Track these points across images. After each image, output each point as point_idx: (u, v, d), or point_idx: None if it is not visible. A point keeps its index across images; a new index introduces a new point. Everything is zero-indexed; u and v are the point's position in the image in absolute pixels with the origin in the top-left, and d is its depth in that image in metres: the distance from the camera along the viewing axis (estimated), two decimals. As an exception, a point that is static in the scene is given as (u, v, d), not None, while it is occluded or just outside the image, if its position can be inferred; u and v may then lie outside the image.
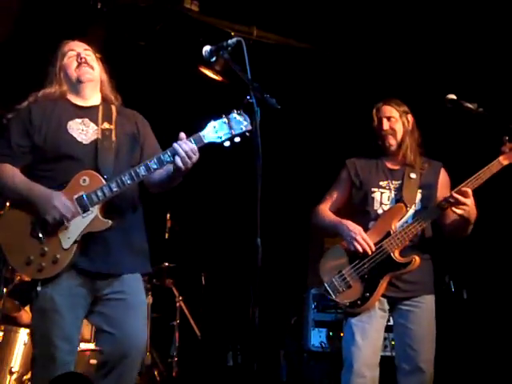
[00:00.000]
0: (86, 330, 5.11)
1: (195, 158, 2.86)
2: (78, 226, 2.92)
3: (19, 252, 2.92)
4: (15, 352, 4.55)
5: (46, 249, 2.89)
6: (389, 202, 3.63)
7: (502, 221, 5.06)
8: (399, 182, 3.66)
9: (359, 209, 3.69)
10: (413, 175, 3.65)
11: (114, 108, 3.23)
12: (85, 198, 2.92)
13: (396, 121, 3.71)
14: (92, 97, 3.21)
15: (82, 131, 3.08)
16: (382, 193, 3.65)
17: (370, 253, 3.51)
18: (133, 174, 2.91)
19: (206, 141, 2.87)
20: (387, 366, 3.64)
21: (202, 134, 2.87)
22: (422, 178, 3.66)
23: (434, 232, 3.68)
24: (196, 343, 5.92)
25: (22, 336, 4.63)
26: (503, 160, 3.49)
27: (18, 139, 3.05)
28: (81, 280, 2.95)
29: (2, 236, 2.98)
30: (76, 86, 3.17)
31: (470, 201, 3.40)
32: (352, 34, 5.54)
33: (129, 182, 2.91)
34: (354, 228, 3.57)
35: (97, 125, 3.12)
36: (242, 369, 6.26)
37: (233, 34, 5.35)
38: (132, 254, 3.08)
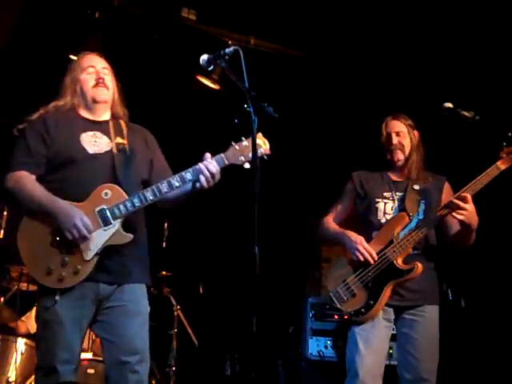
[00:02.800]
0: (84, 340, 5.10)
1: (217, 178, 2.94)
2: (99, 239, 2.93)
3: (39, 261, 2.91)
4: (12, 361, 4.54)
5: (66, 259, 2.90)
6: (392, 212, 3.66)
7: (501, 228, 5.06)
8: (402, 193, 3.70)
9: (363, 219, 3.74)
10: (416, 187, 3.70)
11: (123, 123, 3.26)
12: (107, 212, 2.93)
13: (404, 136, 3.76)
14: (103, 114, 3.24)
15: (95, 143, 3.10)
16: (385, 203, 3.70)
17: (372, 262, 3.53)
18: (155, 190, 2.95)
19: (227, 162, 2.95)
20: (390, 375, 3.63)
21: (223, 155, 2.96)
22: (425, 190, 3.69)
23: (438, 242, 3.69)
24: (194, 352, 5.90)
25: (20, 345, 4.62)
26: (501, 165, 3.50)
27: (37, 148, 3.05)
28: (88, 290, 2.97)
29: (22, 245, 2.97)
30: (89, 104, 3.19)
31: (469, 206, 3.41)
32: (349, 43, 5.55)
33: (151, 198, 2.95)
34: (356, 238, 3.61)
35: (109, 138, 3.14)
36: (239, 378, 6.23)
37: (230, 42, 5.36)
38: (140, 265, 3.13)
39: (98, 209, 2.94)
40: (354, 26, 5.32)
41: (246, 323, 2.37)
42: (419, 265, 3.49)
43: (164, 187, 2.95)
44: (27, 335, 4.95)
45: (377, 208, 3.69)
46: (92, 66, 3.22)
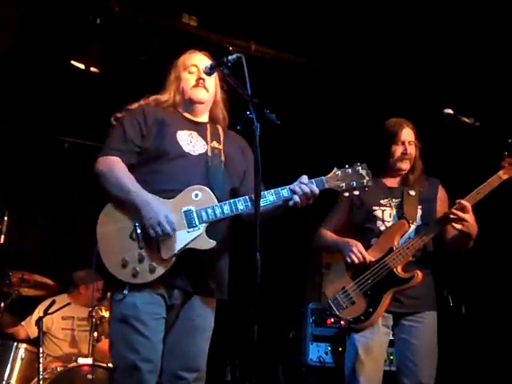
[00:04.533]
0: (84, 345, 5.10)
1: (313, 200, 2.88)
2: (181, 240, 2.83)
3: (116, 252, 2.81)
4: (12, 367, 4.54)
5: (144, 254, 2.80)
6: (391, 219, 3.65)
7: (501, 235, 5.06)
8: (399, 199, 3.69)
9: (361, 227, 3.72)
10: (412, 192, 3.68)
11: (220, 128, 3.22)
12: (194, 214, 2.85)
13: (413, 145, 3.75)
14: (201, 115, 3.20)
15: (190, 143, 3.05)
16: (383, 210, 3.68)
17: (366, 262, 3.52)
18: (248, 201, 2.86)
19: (326, 186, 2.91)
20: (388, 381, 3.63)
21: (324, 178, 2.91)
22: (421, 195, 3.69)
23: (435, 247, 3.69)
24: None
25: (20, 351, 4.62)
26: (503, 175, 3.50)
27: (133, 136, 3.00)
28: (161, 292, 2.86)
29: (100, 232, 2.86)
30: (187, 102, 3.16)
31: (469, 216, 3.41)
32: (350, 49, 5.56)
33: (241, 208, 2.86)
34: (352, 242, 3.61)
35: (205, 140, 3.09)
36: (240, 384, 6.22)
37: (231, 48, 5.37)
38: (217, 277, 3.01)
39: (185, 209, 2.86)
40: (355, 31, 5.33)
41: (246, 329, 2.37)
42: (419, 273, 3.49)
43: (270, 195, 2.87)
44: (27, 340, 4.95)
45: (375, 216, 3.67)
46: (195, 66, 3.16)
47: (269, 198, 2.86)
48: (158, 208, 2.80)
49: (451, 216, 3.44)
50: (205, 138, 3.09)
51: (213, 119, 3.24)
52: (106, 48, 5.49)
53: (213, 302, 3.04)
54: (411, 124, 3.78)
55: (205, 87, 3.13)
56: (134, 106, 3.14)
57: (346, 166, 2.93)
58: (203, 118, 3.21)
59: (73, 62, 5.64)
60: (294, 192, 2.84)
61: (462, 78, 5.24)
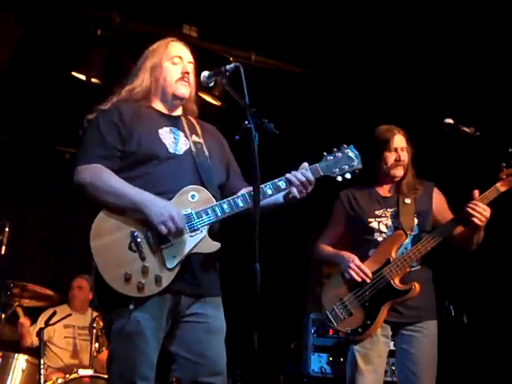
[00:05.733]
0: (85, 355, 5.09)
1: (311, 188, 2.78)
2: (184, 245, 2.68)
3: (116, 266, 2.62)
4: (13, 378, 4.53)
5: (147, 265, 2.62)
6: (387, 230, 3.62)
7: (502, 244, 5.05)
8: (394, 208, 3.66)
9: (358, 239, 3.69)
10: (407, 200, 3.65)
11: (194, 120, 3.07)
12: (194, 216, 2.71)
13: (406, 152, 3.71)
14: (177, 109, 3.04)
15: (174, 140, 2.88)
16: (379, 222, 3.65)
17: (367, 280, 3.50)
18: (247, 197, 2.74)
19: (321, 173, 2.83)
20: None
21: (318, 165, 2.83)
22: (417, 203, 3.65)
23: (437, 254, 3.67)
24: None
25: (20, 362, 4.61)
26: (500, 187, 3.47)
27: (113, 141, 2.78)
28: (168, 301, 2.71)
29: (95, 245, 2.65)
30: (167, 97, 2.96)
31: (488, 213, 3.40)
32: (350, 59, 5.58)
33: (241, 205, 2.73)
34: (349, 257, 3.58)
35: (185, 136, 2.93)
36: (241, 394, 6.19)
37: (231, 59, 5.39)
38: (216, 277, 2.91)
39: (184, 212, 2.70)
40: (355, 42, 5.35)
41: (247, 339, 2.36)
42: (417, 285, 3.46)
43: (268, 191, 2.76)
44: (28, 351, 4.94)
45: (371, 228, 3.64)
46: (179, 57, 2.97)
47: (267, 191, 2.76)
48: (166, 203, 2.66)
49: (474, 209, 3.40)
50: (184, 133, 2.94)
51: (185, 111, 3.08)
52: (107, 59, 5.52)
53: (220, 302, 2.91)
54: (402, 130, 3.75)
55: (189, 83, 2.97)
56: (108, 105, 2.91)
57: (335, 150, 2.88)
58: (178, 111, 3.04)
59: (74, 73, 5.67)
60: (289, 182, 2.75)
61: (462, 88, 5.25)
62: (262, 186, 2.74)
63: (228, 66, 2.72)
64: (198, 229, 2.71)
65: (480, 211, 3.38)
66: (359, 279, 3.50)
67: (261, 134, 2.49)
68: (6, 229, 4.98)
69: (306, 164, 2.82)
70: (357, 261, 3.54)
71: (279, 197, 2.85)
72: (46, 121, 6.25)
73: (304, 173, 2.77)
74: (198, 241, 2.71)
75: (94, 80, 5.61)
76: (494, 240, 3.70)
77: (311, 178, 2.77)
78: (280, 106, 5.59)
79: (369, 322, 3.50)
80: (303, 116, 6.18)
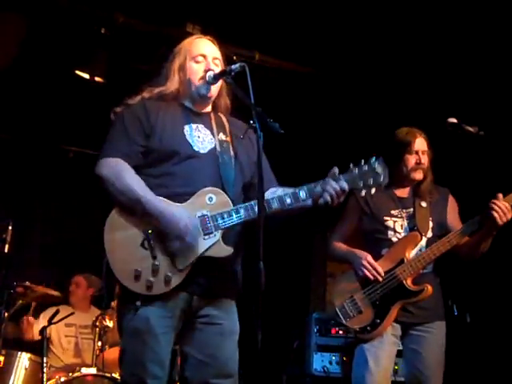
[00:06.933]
0: (88, 354, 5.09)
1: (343, 198, 2.74)
2: (197, 248, 2.66)
3: (127, 262, 2.63)
4: (16, 377, 4.53)
5: (157, 264, 2.62)
6: (402, 231, 3.63)
7: (504, 244, 5.04)
8: (410, 209, 3.66)
9: (372, 237, 3.69)
10: (423, 204, 3.65)
11: (223, 117, 3.03)
12: (210, 219, 2.68)
13: (426, 155, 3.71)
14: (206, 107, 3.01)
15: (199, 138, 2.85)
16: (394, 221, 3.66)
17: (379, 278, 3.50)
18: (265, 205, 2.65)
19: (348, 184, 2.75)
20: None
21: (342, 177, 2.75)
22: (432, 207, 3.67)
23: (443, 257, 3.68)
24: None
25: (23, 360, 4.61)
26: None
27: (136, 137, 2.78)
28: (178, 301, 2.70)
29: (108, 240, 2.66)
30: (193, 95, 2.93)
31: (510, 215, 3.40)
32: (353, 58, 5.57)
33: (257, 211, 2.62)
34: (362, 254, 3.59)
35: (212, 133, 2.90)
36: (244, 394, 6.19)
37: (235, 58, 5.38)
38: (233, 280, 2.87)
39: (199, 214, 2.68)
40: (358, 41, 5.34)
41: (250, 338, 2.36)
42: (429, 287, 3.47)
43: (275, 203, 2.72)
44: (31, 350, 4.94)
45: (386, 226, 3.64)
46: (203, 55, 2.92)
47: (286, 200, 2.72)
48: (178, 217, 2.63)
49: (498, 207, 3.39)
50: (211, 131, 2.90)
51: (215, 108, 3.04)
52: (111, 58, 5.52)
53: (233, 305, 2.88)
54: (424, 133, 3.74)
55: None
56: (135, 99, 2.92)
57: (362, 162, 2.78)
58: (207, 108, 3.01)
59: (77, 72, 5.67)
60: (324, 190, 2.70)
61: (466, 87, 5.24)
62: (283, 195, 2.73)
63: (233, 66, 2.72)
64: (212, 232, 2.68)
65: (503, 209, 3.38)
66: (371, 277, 3.50)
67: (266, 133, 2.48)
68: (10, 227, 4.98)
69: (336, 170, 2.76)
70: (370, 258, 3.54)
71: (308, 202, 2.80)
72: (50, 119, 6.25)
73: (341, 183, 2.71)
74: (210, 244, 2.68)
75: (97, 79, 5.62)
76: (495, 240, 3.70)
77: (345, 187, 2.72)
78: (284, 106, 5.58)
79: (378, 320, 3.50)
80: (308, 115, 6.17)
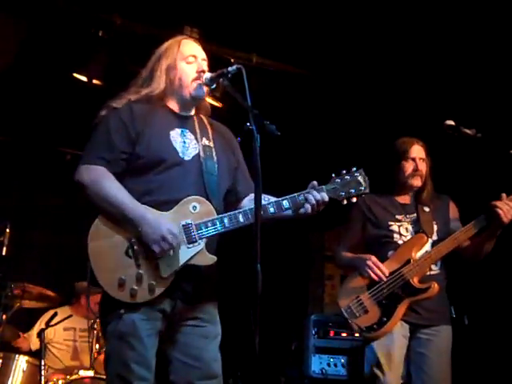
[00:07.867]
0: (86, 357, 5.09)
1: (322, 207, 2.78)
2: (180, 256, 2.66)
3: (111, 270, 2.62)
4: (14, 379, 4.53)
5: (141, 272, 2.62)
6: (408, 234, 3.65)
7: (503, 246, 5.04)
8: (414, 215, 3.70)
9: (377, 241, 3.72)
10: (426, 208, 3.71)
11: (206, 120, 3.02)
12: (193, 228, 2.68)
13: (424, 162, 3.75)
14: (191, 109, 2.99)
15: (184, 144, 2.83)
16: (399, 225, 3.69)
17: (383, 278, 3.51)
18: (248, 214, 2.69)
19: (328, 196, 2.79)
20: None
21: (325, 188, 2.79)
22: (435, 212, 3.71)
23: (447, 260, 3.69)
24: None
25: (21, 363, 4.61)
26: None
27: (120, 143, 2.74)
28: (164, 304, 2.71)
29: (92, 247, 2.65)
30: (184, 97, 2.90)
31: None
32: (351, 61, 5.58)
33: (242, 221, 2.70)
34: (367, 256, 3.61)
35: (196, 138, 2.88)
36: (242, 396, 6.19)
37: (232, 60, 5.39)
38: (213, 283, 2.90)
39: (183, 223, 2.68)
40: (356, 43, 5.34)
41: (248, 340, 2.36)
42: (436, 285, 3.49)
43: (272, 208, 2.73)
44: (28, 352, 4.94)
45: (392, 230, 3.67)
46: (194, 56, 2.91)
47: (270, 209, 2.73)
48: (158, 222, 2.63)
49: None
50: (195, 135, 2.88)
51: (198, 109, 3.02)
52: (109, 60, 5.52)
53: (215, 308, 2.91)
54: (421, 141, 3.79)
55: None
56: (121, 103, 2.85)
57: (344, 173, 2.83)
58: (191, 111, 2.98)
59: (75, 75, 5.67)
60: (306, 200, 2.74)
61: (463, 89, 5.25)
62: (267, 204, 2.73)
63: (230, 68, 2.72)
64: (196, 241, 2.69)
65: (507, 207, 3.40)
66: (375, 277, 3.52)
67: (262, 135, 2.49)
68: (7, 230, 4.98)
69: (315, 183, 2.80)
70: (374, 259, 3.57)
71: (288, 212, 2.81)
72: (47, 122, 6.25)
73: (322, 194, 2.75)
74: (194, 253, 2.69)
75: (95, 81, 5.62)
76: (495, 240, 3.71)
77: (326, 199, 2.76)
78: (281, 108, 5.59)
79: (385, 319, 3.52)
80: (304, 118, 6.18)
